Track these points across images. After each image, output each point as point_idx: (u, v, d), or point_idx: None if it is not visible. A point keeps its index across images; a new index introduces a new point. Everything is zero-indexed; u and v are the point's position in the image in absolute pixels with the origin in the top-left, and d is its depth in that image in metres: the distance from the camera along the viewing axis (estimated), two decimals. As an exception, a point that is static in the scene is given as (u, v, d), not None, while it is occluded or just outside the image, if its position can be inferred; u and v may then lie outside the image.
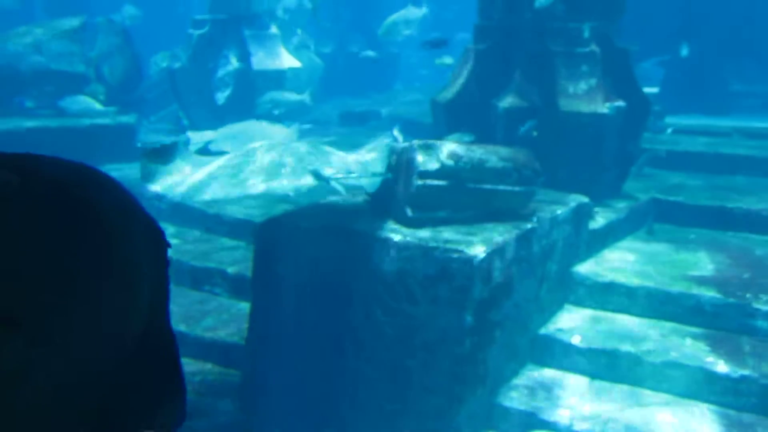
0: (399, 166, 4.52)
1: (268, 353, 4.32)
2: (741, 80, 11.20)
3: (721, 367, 4.26)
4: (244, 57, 9.39)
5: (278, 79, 9.47)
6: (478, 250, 4.01)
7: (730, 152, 7.46)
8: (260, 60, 9.42)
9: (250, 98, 9.14)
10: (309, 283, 4.25)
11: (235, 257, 5.23)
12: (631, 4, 8.53)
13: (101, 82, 9.26)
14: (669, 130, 8.23)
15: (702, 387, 4.28)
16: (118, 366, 0.66)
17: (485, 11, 6.40)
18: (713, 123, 8.65)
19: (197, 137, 8.42)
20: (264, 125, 8.31)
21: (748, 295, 4.71)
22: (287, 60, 9.76)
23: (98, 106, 8.65)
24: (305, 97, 8.94)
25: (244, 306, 4.63)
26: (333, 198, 5.10)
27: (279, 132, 8.22)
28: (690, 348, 4.47)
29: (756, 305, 4.62)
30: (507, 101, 5.94)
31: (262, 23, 9.92)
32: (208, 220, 6.29)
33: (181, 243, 5.81)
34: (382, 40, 12.24)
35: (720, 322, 4.68)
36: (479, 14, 6.50)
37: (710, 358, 4.33)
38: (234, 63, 9.40)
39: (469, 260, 3.96)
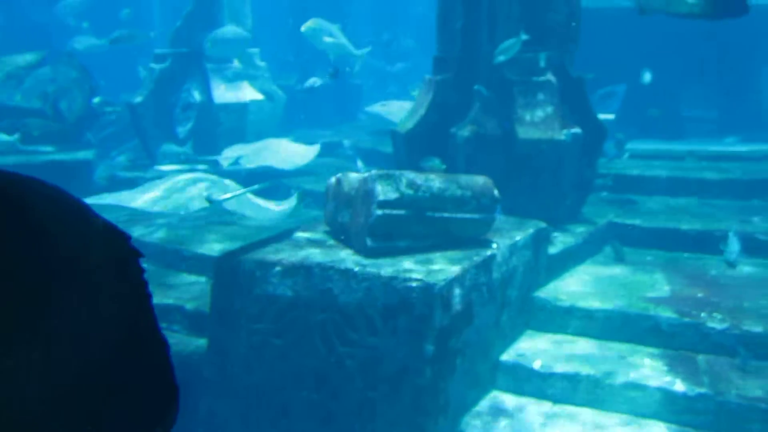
0: (347, 195, 4.56)
1: (228, 389, 4.27)
2: (693, 106, 11.58)
3: (679, 386, 4.33)
4: (206, 91, 9.41)
5: (241, 112, 9.50)
6: (438, 279, 4.04)
7: (684, 175, 7.67)
8: (222, 93, 9.44)
9: (212, 132, 9.14)
10: (268, 317, 4.22)
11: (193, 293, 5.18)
12: (587, 35, 8.82)
13: (58, 118, 9.15)
14: (626, 155, 8.44)
15: (661, 406, 4.34)
16: (94, 372, 0.65)
17: (444, 43, 6.53)
18: (668, 147, 8.89)
19: (229, 153, 8.61)
20: (286, 143, 8.71)
21: (702, 315, 4.81)
22: (250, 93, 9.80)
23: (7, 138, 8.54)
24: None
25: (203, 343, 4.58)
26: (291, 230, 5.10)
27: (300, 150, 8.57)
28: (649, 368, 4.54)
29: (710, 324, 4.72)
30: (466, 130, 6.05)
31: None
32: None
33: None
34: (343, 70, 12.38)
35: (677, 341, 4.77)
36: (438, 46, 6.64)
37: (668, 378, 4.40)
38: (196, 97, 9.40)
39: (428, 289, 3.99)
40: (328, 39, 9.10)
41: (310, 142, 8.95)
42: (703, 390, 4.28)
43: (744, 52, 9.83)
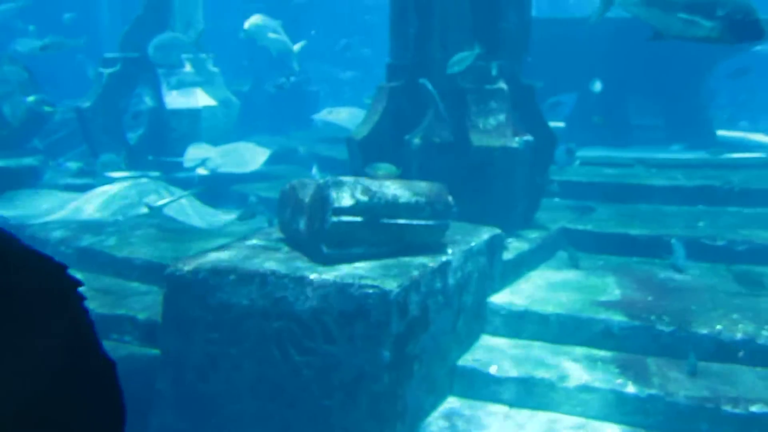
0: (302, 202, 4.53)
1: (181, 401, 4.17)
2: (641, 115, 11.92)
3: (630, 388, 4.42)
4: (158, 96, 9.23)
5: (193, 118, 9.34)
6: (394, 285, 4.04)
7: (633, 182, 7.88)
8: (174, 99, 9.27)
9: (163, 138, 8.96)
10: (223, 326, 4.15)
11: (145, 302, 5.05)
12: (540, 45, 8.99)
13: (1, 123, 8.84)
14: (576, 162, 8.61)
15: (613, 409, 4.42)
16: (35, 403, 0.65)
17: (397, 50, 6.56)
18: (617, 155, 9.11)
19: (194, 153, 8.75)
20: (251, 146, 9.16)
21: (652, 317, 4.93)
22: (202, 99, 9.65)
23: None
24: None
25: (156, 354, 4.46)
26: (246, 237, 5.03)
27: (258, 155, 9.01)
28: (601, 371, 4.62)
29: (659, 327, 4.84)
30: (420, 137, 6.07)
31: (178, 61, 9.79)
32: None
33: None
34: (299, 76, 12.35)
35: (628, 344, 4.87)
36: (391, 53, 6.66)
37: (620, 380, 4.49)
38: (147, 102, 9.21)
39: (385, 295, 3.98)
40: (272, 35, 9.11)
41: (254, 149, 8.92)
42: (653, 391, 4.37)
43: (688, 61, 10.17)
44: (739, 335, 4.69)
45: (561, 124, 11.15)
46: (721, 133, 11.16)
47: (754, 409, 4.17)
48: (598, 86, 9.63)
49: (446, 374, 4.73)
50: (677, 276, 5.75)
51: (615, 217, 7.06)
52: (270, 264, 4.27)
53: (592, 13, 4.70)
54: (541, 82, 9.84)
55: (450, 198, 4.68)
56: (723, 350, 4.67)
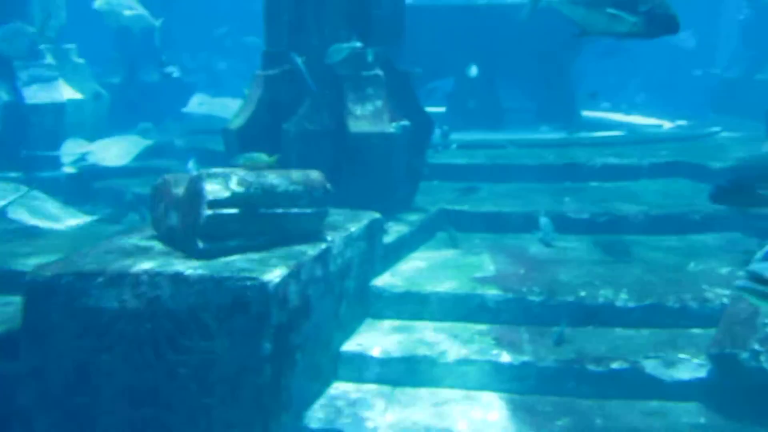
0: (174, 196, 4.42)
1: (48, 416, 3.96)
2: (513, 98, 12.44)
3: (505, 357, 4.67)
4: (14, 90, 8.59)
5: (56, 113, 8.77)
6: (273, 275, 4.02)
7: (506, 162, 8.25)
8: (34, 93, 8.66)
9: (23, 135, 8.37)
10: (92, 332, 3.97)
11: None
12: (418, 31, 9.17)
13: None
14: (454, 146, 8.91)
15: (491, 378, 4.65)
16: None
17: (272, 38, 6.49)
18: (491, 137, 9.50)
19: (72, 147, 8.32)
20: (125, 140, 8.77)
21: (524, 289, 5.22)
22: (67, 92, 9.09)
23: None
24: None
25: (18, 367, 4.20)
26: (115, 237, 4.83)
27: (136, 147, 8.70)
28: (478, 344, 4.84)
29: (530, 297, 5.14)
30: (298, 125, 6.07)
31: (36, 53, 9.16)
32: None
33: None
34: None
35: (502, 316, 5.14)
36: (266, 41, 6.58)
37: (495, 351, 4.73)
38: (2, 97, 8.56)
39: (263, 286, 3.96)
40: (128, 12, 8.71)
41: (138, 143, 8.55)
42: (526, 358, 4.65)
43: (555, 45, 10.73)
44: (600, 300, 5.06)
45: (442, 109, 11.47)
46: (586, 113, 11.87)
47: (614, 366, 4.53)
48: (474, 71, 9.96)
49: (331, 360, 4.78)
50: (547, 249, 6.11)
51: (490, 196, 7.38)
52: (142, 263, 4.13)
53: (522, 11, 4.84)
54: (420, 68, 10.06)
55: (328, 185, 4.71)
56: (587, 314, 5.03)
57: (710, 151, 8.80)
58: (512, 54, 10.44)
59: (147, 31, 9.76)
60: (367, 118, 5.90)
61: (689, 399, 4.38)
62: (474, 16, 9.93)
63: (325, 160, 5.65)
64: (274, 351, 4.00)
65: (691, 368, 4.45)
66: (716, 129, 10.49)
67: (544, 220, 6.12)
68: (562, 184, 7.86)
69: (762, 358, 4.08)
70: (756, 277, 2.15)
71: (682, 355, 4.55)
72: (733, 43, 15.49)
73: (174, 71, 11.10)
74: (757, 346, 4.11)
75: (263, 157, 4.98)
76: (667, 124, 11.49)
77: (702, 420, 4.22)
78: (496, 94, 11.35)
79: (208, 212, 4.24)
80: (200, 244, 4.22)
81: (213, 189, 4.29)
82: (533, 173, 8.02)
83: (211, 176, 4.38)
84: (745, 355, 4.14)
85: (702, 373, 4.41)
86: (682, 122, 11.62)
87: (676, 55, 17.14)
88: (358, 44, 5.73)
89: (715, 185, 4.23)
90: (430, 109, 10.24)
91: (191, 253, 4.24)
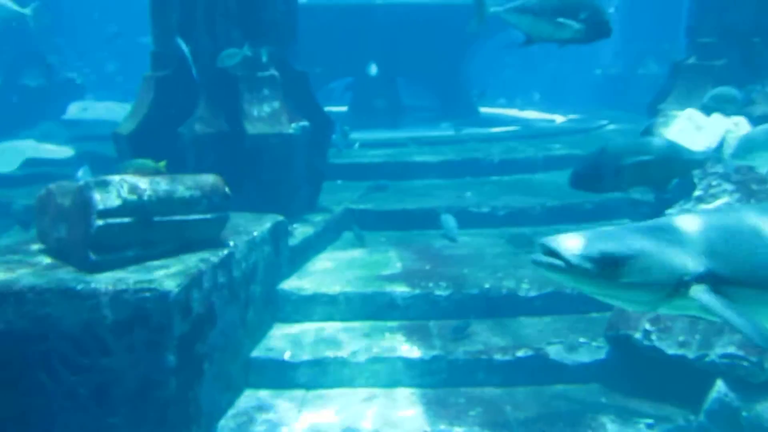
0: (61, 207, 4.16)
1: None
2: (414, 96, 12.64)
3: (416, 353, 4.70)
4: None
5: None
6: (173, 285, 3.85)
7: (408, 160, 8.35)
8: None
9: None
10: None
11: None
12: (318, 30, 9.09)
13: None
14: (357, 145, 8.92)
15: (403, 374, 4.68)
16: None
17: (161, 37, 6.23)
18: (394, 135, 9.59)
19: None
20: (8, 147, 8.52)
21: (430, 285, 5.28)
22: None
23: None
24: None
25: None
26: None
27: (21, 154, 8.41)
28: (389, 341, 4.86)
29: (437, 292, 5.21)
30: (194, 128, 5.85)
31: None
32: None
33: None
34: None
35: (411, 312, 5.18)
36: (155, 40, 6.31)
37: (406, 347, 4.76)
38: None
39: (163, 297, 3.78)
40: None
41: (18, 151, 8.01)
42: (436, 353, 4.70)
43: (450, 45, 10.97)
44: (504, 291, 5.20)
45: (344, 108, 11.47)
46: (484, 110, 12.23)
47: (520, 354, 4.66)
48: (374, 69, 10.00)
49: (241, 368, 4.65)
50: (451, 244, 6.22)
51: (393, 194, 7.43)
52: (27, 279, 3.84)
53: (470, 22, 4.91)
54: (319, 68, 9.99)
55: (227, 189, 4.56)
56: (492, 306, 5.16)
57: (598, 143, 9.25)
58: (412, 53, 10.59)
59: (24, 28, 9.08)
60: (264, 119, 5.78)
61: (591, 380, 4.57)
62: (372, 15, 9.99)
63: (224, 164, 5.48)
64: (179, 363, 3.84)
65: (590, 351, 4.66)
66: (604, 122, 11.07)
67: (445, 217, 6.23)
68: (463, 179, 8.04)
69: (653, 337, 4.32)
70: (546, 250, 2.25)
71: (582, 339, 4.76)
72: (616, 40, 16.42)
73: (76, 77, 10.42)
74: (648, 326, 4.35)
75: (149, 163, 4.75)
76: (559, 119, 12.02)
77: (603, 400, 4.42)
78: (398, 92, 11.48)
79: (99, 222, 4.01)
80: (92, 257, 3.98)
81: (103, 198, 4.06)
82: (435, 170, 8.16)
83: (100, 185, 4.14)
84: (638, 335, 4.37)
85: (601, 355, 4.62)
86: (573, 116, 12.19)
87: (567, 52, 17.95)
88: (249, 53, 5.60)
89: (572, 172, 4.51)
90: (332, 109, 10.25)
91: (83, 266, 3.99)
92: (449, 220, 6.19)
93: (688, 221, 2.33)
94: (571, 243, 2.23)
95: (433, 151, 8.78)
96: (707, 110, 5.83)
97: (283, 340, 4.95)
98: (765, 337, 2.15)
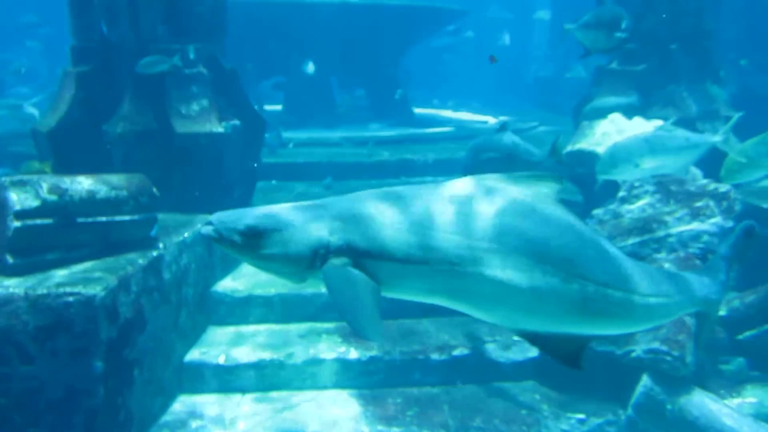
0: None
1: None
2: (346, 96, 12.59)
3: (353, 354, 4.66)
4: None
5: None
6: (98, 289, 3.68)
7: (343, 160, 8.29)
8: None
9: None
10: None
11: None
12: (247, 28, 8.91)
13: None
14: (291, 145, 8.80)
15: (341, 376, 4.63)
16: None
17: (82, 31, 5.94)
18: (328, 135, 9.51)
19: None
20: None
21: (367, 285, 5.24)
22: None
23: None
24: None
25: None
26: None
27: None
28: (326, 343, 4.80)
29: (374, 292, 5.17)
30: (120, 126, 5.61)
31: None
32: None
33: None
34: None
35: (348, 313, 5.12)
36: (75, 34, 6.01)
37: (343, 348, 4.71)
38: None
39: (88, 301, 3.61)
40: None
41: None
42: (373, 353, 4.67)
43: (385, 45, 10.98)
44: (440, 289, 5.21)
45: (278, 107, 11.30)
46: (418, 110, 12.29)
47: (456, 353, 4.69)
48: (311, 68, 9.90)
49: (174, 373, 4.49)
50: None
51: (328, 194, 7.36)
52: (-63, 285, 3.59)
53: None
54: (251, 63, 9.79)
55: (154, 189, 4.40)
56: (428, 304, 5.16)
57: (529, 144, 9.46)
58: (346, 53, 10.53)
59: None
60: (193, 117, 5.60)
61: (525, 378, 4.65)
62: (304, 14, 9.87)
63: (152, 163, 5.29)
64: (106, 369, 3.67)
65: (524, 349, 4.73)
66: (534, 123, 11.33)
67: None
68: (398, 179, 8.05)
69: (585, 330, 4.42)
70: (208, 222, 2.31)
71: (515, 338, 4.83)
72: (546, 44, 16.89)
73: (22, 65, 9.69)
74: (580, 320, 4.45)
75: (34, 164, 4.54)
76: (492, 120, 12.22)
77: (537, 396, 4.50)
78: (332, 92, 11.40)
79: (17, 224, 3.79)
80: (10, 260, 3.76)
81: (20, 198, 3.84)
82: (370, 169, 8.13)
83: (17, 184, 3.91)
84: (570, 329, 4.47)
85: (534, 353, 4.70)
86: (505, 118, 12.42)
87: (501, 55, 18.32)
88: (179, 62, 5.42)
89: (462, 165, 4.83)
90: (267, 107, 10.08)
91: (1, 271, 3.76)
92: None
93: (337, 200, 2.40)
94: (225, 216, 2.31)
95: (366, 150, 8.75)
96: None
97: (217, 343, 4.81)
98: (364, 329, 2.18)
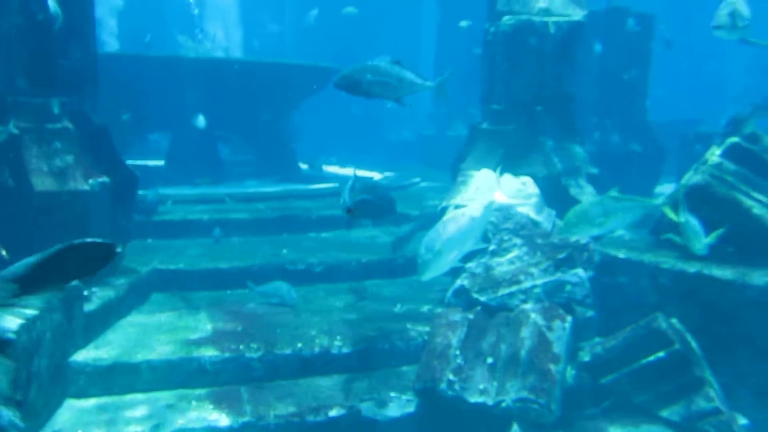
0: None
1: None
2: (234, 151, 12.45)
3: (224, 420, 4.45)
4: None
5: None
6: (-71, 365, 3.32)
7: (224, 217, 8.11)
8: None
9: None
10: None
11: None
12: (126, 82, 8.65)
13: None
14: (170, 202, 8.51)
15: (211, 446, 4.39)
16: None
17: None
18: (210, 191, 9.30)
19: None
20: None
21: (241, 347, 5.07)
22: None
23: None
24: None
25: None
26: None
27: None
28: (196, 411, 4.55)
29: (249, 354, 5.01)
30: (-29, 184, 5.22)
31: None
32: None
33: None
34: None
35: (222, 378, 4.92)
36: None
37: (214, 415, 4.49)
38: None
39: None
40: None
41: None
42: (246, 419, 4.48)
43: (273, 102, 10.99)
44: (316, 349, 5.13)
45: (160, 163, 10.97)
46: (303, 166, 12.32)
47: (332, 413, 4.59)
48: (201, 121, 9.73)
49: (19, 457, 4.08)
50: (265, 302, 6.06)
51: (208, 253, 7.14)
52: None
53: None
54: (127, 115, 9.47)
55: (4, 252, 4.09)
56: (305, 365, 5.05)
57: (412, 199, 9.70)
58: (230, 108, 10.44)
59: None
60: (56, 174, 5.30)
61: (403, 433, 4.61)
62: (183, 69, 9.75)
63: (7, 223, 4.94)
64: (-68, 459, 3.28)
65: (401, 405, 4.70)
66: (417, 179, 11.64)
67: (277, 284, 6.05)
68: (280, 236, 7.96)
69: (456, 386, 4.47)
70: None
71: (393, 394, 4.79)
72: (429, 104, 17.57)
73: None
74: (451, 376, 4.50)
75: None
76: (377, 176, 12.44)
77: (414, 452, 4.47)
78: (216, 147, 11.23)
79: None
80: None
81: None
82: (251, 227, 8.00)
83: None
84: (443, 385, 4.50)
85: (411, 408, 4.68)
86: (389, 173, 12.70)
87: (383, 113, 18.86)
88: (15, 130, 5.11)
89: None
90: (149, 163, 9.76)
91: None
92: (281, 287, 6.02)
93: None
94: None
95: (249, 208, 8.63)
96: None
97: (75, 418, 4.45)
98: None
